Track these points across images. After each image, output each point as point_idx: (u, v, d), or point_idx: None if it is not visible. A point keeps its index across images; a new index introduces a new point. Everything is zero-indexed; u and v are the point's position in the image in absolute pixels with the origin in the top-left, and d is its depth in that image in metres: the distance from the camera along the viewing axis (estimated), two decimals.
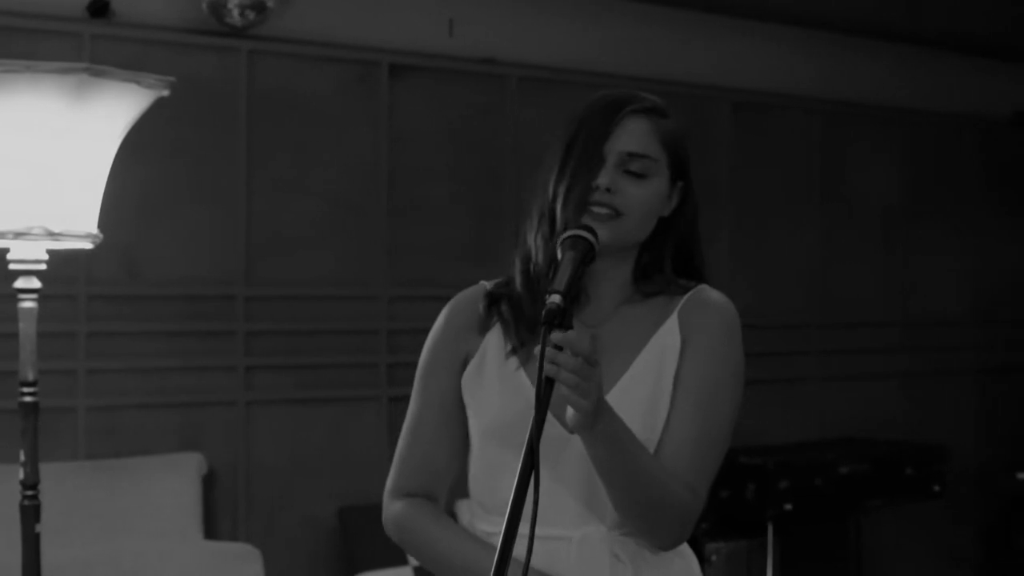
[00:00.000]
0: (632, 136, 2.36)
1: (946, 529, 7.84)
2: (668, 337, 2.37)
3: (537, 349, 2.02)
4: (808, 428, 7.24)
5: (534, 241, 2.40)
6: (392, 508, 2.49)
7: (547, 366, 2.00)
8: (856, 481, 6.58)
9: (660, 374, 2.34)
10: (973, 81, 8.27)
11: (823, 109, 7.45)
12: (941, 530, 7.81)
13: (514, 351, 2.36)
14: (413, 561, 5.56)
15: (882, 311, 7.70)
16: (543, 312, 2.05)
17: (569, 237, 2.22)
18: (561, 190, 2.34)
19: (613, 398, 2.23)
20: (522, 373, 2.34)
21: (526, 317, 2.36)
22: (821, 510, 6.58)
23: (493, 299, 2.43)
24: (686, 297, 2.41)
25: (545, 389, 2.02)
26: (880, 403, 7.62)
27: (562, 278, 2.12)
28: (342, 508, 5.73)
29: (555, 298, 2.07)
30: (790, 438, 7.04)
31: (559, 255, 2.21)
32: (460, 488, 2.50)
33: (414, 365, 2.52)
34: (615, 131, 2.35)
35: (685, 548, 2.44)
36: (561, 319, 2.05)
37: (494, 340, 2.41)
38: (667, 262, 2.43)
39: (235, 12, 5.49)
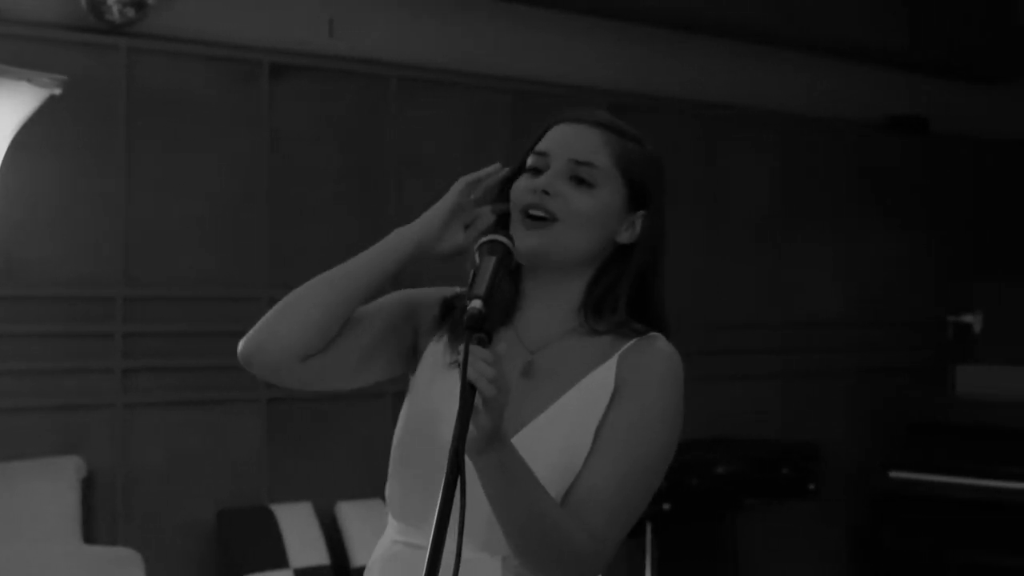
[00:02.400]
0: (581, 143, 2.33)
1: (820, 527, 7.94)
2: (602, 378, 2.27)
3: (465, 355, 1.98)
4: (685, 428, 7.22)
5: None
6: None
7: (469, 371, 1.96)
8: (733, 480, 6.62)
9: (585, 415, 2.25)
10: (848, 86, 8.37)
11: (700, 112, 7.50)
12: (815, 528, 7.91)
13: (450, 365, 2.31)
14: (294, 564, 5.53)
15: (759, 312, 7.77)
16: (464, 318, 2.02)
17: (486, 242, 2.18)
18: (512, 194, 2.33)
19: (532, 429, 2.22)
20: (442, 385, 2.30)
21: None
22: (698, 509, 6.60)
23: (448, 308, 2.40)
24: (632, 342, 2.31)
25: (469, 395, 1.97)
26: (757, 403, 7.69)
27: (481, 283, 2.08)
28: (222, 511, 5.69)
29: (476, 303, 2.03)
30: None
31: (477, 259, 2.16)
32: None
33: None
34: (564, 138, 2.33)
35: None
36: (482, 325, 2.02)
37: (439, 348, 2.37)
38: (622, 299, 2.35)
39: (114, 9, 5.43)
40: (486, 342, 2.04)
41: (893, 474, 7.00)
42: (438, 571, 1.93)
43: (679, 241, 7.21)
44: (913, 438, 7.15)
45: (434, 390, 2.31)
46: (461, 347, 2.00)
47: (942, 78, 8.93)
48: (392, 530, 2.36)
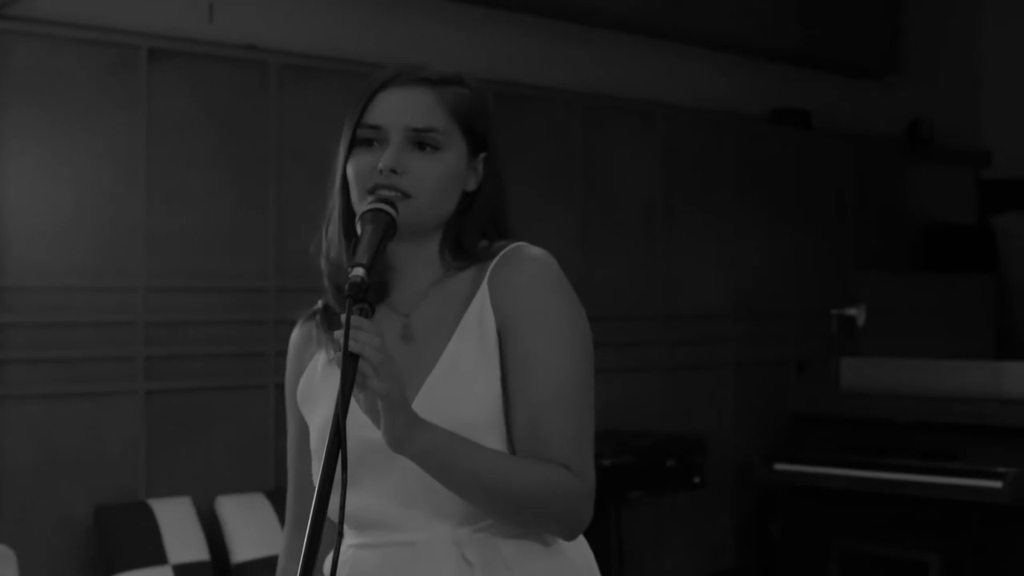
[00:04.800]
0: (415, 108, 2.20)
1: (706, 519, 7.96)
2: (478, 312, 2.20)
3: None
4: None
5: (331, 239, 2.27)
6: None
7: (352, 344, 1.90)
8: (618, 473, 6.60)
9: (476, 357, 2.18)
10: (733, 79, 8.39)
11: (583, 103, 7.46)
12: (701, 520, 7.91)
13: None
14: (173, 559, 5.43)
15: (643, 304, 7.75)
16: (346, 286, 1.95)
17: (368, 211, 2.09)
18: (350, 179, 2.21)
19: (428, 390, 2.16)
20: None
21: (339, 320, 2.19)
22: None
23: (314, 314, 2.34)
24: (496, 259, 2.23)
25: (351, 363, 1.91)
26: (642, 395, 7.68)
27: (363, 251, 2.02)
28: (99, 506, 5.55)
29: (358, 271, 1.97)
30: None
31: (359, 230, 2.08)
32: None
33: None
34: (395, 105, 2.20)
35: (565, 544, 2.29)
36: (364, 293, 1.96)
37: (321, 362, 2.30)
38: (475, 235, 2.26)
39: None
40: (369, 312, 2.00)
41: (778, 466, 7.00)
42: (317, 551, 1.88)
43: (563, 233, 7.24)
44: (798, 430, 7.18)
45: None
46: (343, 317, 1.94)
47: (825, 72, 8.99)
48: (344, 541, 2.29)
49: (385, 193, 2.15)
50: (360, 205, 2.16)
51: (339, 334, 1.92)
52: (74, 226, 5.61)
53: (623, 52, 7.74)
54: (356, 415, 2.09)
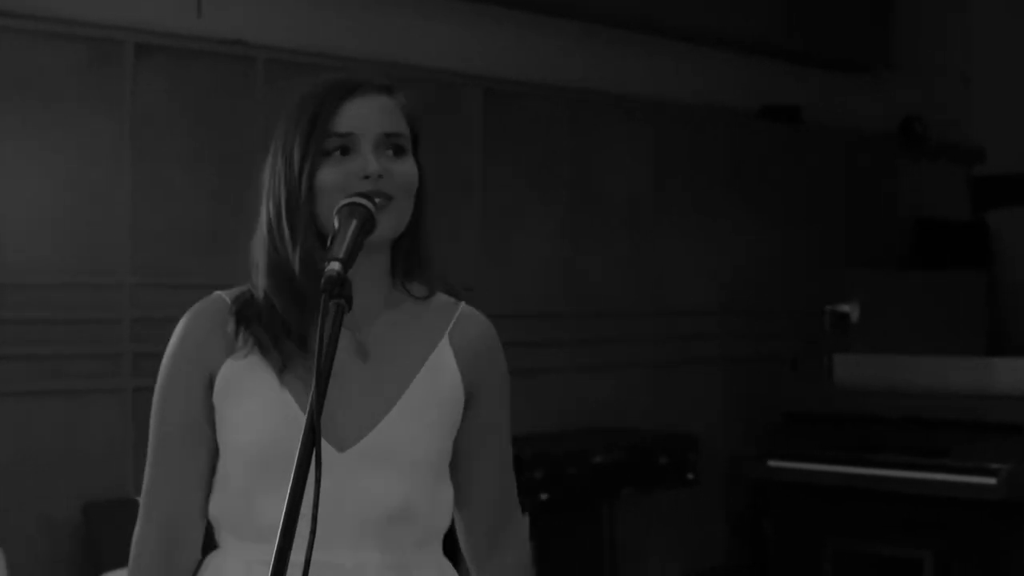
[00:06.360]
0: (383, 115, 2.23)
1: (699, 516, 7.93)
2: (444, 362, 2.30)
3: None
4: (561, 418, 7.23)
5: (290, 249, 2.21)
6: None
7: None
8: (610, 470, 6.59)
9: (443, 401, 2.29)
10: (722, 74, 8.36)
11: (571, 98, 7.43)
12: (694, 517, 7.89)
13: (280, 372, 2.20)
14: None
15: (632, 301, 7.73)
16: (322, 281, 1.93)
17: (346, 205, 2.10)
18: (325, 188, 2.18)
19: (386, 426, 2.21)
20: (286, 392, 2.18)
21: (293, 334, 2.20)
22: (576, 499, 6.58)
23: (243, 319, 2.25)
24: (454, 320, 2.35)
25: (325, 363, 1.88)
26: (631, 392, 7.65)
27: (340, 245, 2.01)
28: (87, 504, 5.52)
29: (335, 265, 1.96)
30: (543, 428, 7.01)
31: (336, 224, 2.07)
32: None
33: (160, 354, 2.34)
34: (365, 113, 2.21)
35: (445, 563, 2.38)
36: (340, 289, 1.93)
37: (250, 359, 2.22)
38: (426, 253, 2.32)
39: None
40: (345, 308, 1.95)
41: (772, 463, 6.97)
42: (290, 553, 1.82)
43: (551, 229, 7.21)
44: (792, 427, 7.15)
45: (285, 394, 2.20)
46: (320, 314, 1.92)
47: (816, 67, 8.96)
48: (240, 552, 2.25)
49: (377, 200, 2.15)
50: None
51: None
52: (59, 223, 5.57)
53: (611, 48, 7.71)
54: (300, 419, 2.02)
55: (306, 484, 1.83)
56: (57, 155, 5.56)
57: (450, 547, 2.40)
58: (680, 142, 7.99)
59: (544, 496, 6.24)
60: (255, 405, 2.20)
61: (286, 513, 1.81)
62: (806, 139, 8.72)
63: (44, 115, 5.53)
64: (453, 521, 2.39)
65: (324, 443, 2.05)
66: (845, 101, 9.17)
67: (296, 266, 2.20)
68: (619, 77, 7.73)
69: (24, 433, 5.45)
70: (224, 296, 2.30)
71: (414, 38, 6.77)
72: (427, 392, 2.26)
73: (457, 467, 2.35)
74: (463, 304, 2.38)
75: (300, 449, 1.84)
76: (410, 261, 2.31)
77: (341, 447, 2.19)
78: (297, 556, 1.84)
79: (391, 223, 2.18)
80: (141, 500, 2.34)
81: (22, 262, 5.46)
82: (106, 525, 5.47)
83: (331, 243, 2.04)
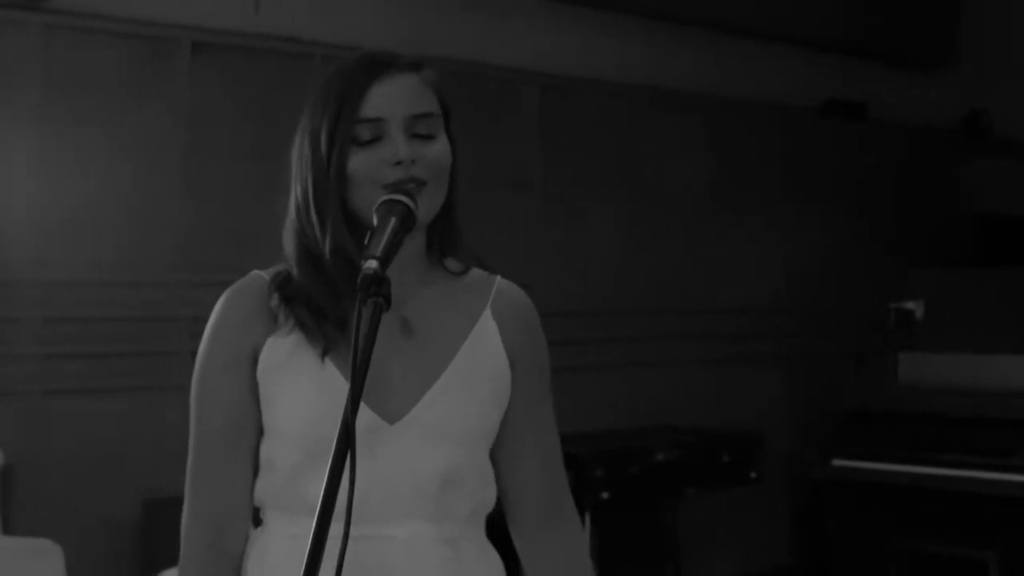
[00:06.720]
0: (411, 96, 2.18)
1: (762, 515, 7.89)
2: (488, 334, 2.29)
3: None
4: (620, 416, 7.19)
5: (319, 235, 2.21)
6: None
7: None
8: (672, 468, 6.53)
9: (490, 374, 2.27)
10: (783, 70, 8.32)
11: (629, 94, 7.40)
12: (757, 516, 7.85)
13: (323, 352, 2.17)
14: None
15: (691, 298, 7.70)
16: (359, 279, 1.92)
17: (385, 202, 2.08)
18: (357, 176, 2.16)
19: (430, 398, 2.18)
20: (331, 366, 2.16)
21: (331, 317, 2.17)
22: (638, 498, 6.52)
23: (285, 298, 2.22)
24: (493, 293, 2.33)
25: (362, 362, 1.87)
26: (690, 390, 7.62)
27: (378, 243, 1.99)
28: (146, 502, 5.54)
29: (372, 263, 1.95)
30: (603, 426, 6.97)
31: (374, 221, 2.05)
32: None
33: None
34: (392, 95, 2.17)
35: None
36: (378, 287, 1.92)
37: (292, 338, 2.20)
38: (460, 230, 2.30)
39: None
40: (383, 307, 1.94)
41: (836, 462, 6.90)
42: (323, 552, 1.82)
43: (608, 225, 7.17)
44: (855, 426, 7.08)
45: (330, 372, 2.17)
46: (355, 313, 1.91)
47: (880, 63, 8.89)
48: (286, 526, 2.23)
49: (410, 187, 2.13)
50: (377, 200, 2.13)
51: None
52: (115, 219, 5.61)
53: (670, 43, 7.68)
54: (343, 396, 1.98)
55: (345, 459, 1.85)
56: (112, 152, 5.58)
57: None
58: (739, 138, 7.95)
59: (605, 495, 6.19)
60: (301, 385, 2.18)
61: (326, 487, 1.82)
62: (869, 135, 8.66)
63: (101, 112, 5.56)
64: (496, 513, 2.36)
65: (374, 416, 2.14)
66: (909, 96, 9.10)
67: (326, 252, 2.19)
68: (678, 73, 7.69)
69: (83, 431, 5.48)
70: (263, 274, 2.28)
71: (470, 34, 6.76)
72: (472, 364, 2.25)
73: (502, 442, 2.33)
74: (499, 278, 2.36)
75: (340, 426, 1.85)
76: (445, 239, 2.28)
77: (391, 420, 2.17)
78: (365, 529, 1.95)
79: (426, 208, 2.15)
80: (187, 489, 2.35)
81: (83, 259, 5.49)
82: (165, 523, 5.45)
83: (369, 240, 2.02)
